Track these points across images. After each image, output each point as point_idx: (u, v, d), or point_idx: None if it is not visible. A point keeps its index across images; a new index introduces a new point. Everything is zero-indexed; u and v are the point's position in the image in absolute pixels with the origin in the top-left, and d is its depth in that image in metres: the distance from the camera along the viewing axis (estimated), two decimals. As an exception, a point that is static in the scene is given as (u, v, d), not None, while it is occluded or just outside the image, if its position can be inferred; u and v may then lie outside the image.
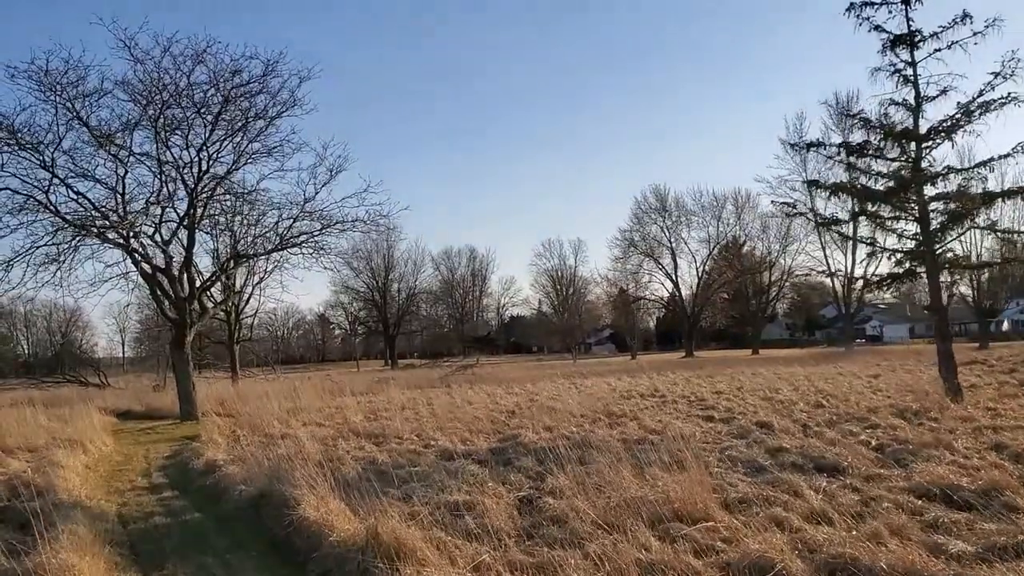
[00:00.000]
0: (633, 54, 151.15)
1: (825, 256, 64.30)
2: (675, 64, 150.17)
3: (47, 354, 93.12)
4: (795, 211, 18.73)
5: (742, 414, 14.92)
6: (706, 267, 76.19)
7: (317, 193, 23.68)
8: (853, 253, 61.52)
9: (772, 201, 59.72)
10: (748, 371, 29.80)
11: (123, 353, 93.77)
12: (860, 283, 19.40)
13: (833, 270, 61.19)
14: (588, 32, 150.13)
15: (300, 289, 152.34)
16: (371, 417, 17.23)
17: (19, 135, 19.61)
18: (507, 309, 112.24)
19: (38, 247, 20.52)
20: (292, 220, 23.85)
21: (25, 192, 20.34)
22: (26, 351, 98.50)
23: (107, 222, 21.14)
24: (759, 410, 15.49)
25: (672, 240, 76.73)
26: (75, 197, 21.15)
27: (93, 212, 21.31)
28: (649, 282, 78.80)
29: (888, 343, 73.81)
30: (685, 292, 77.64)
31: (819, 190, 18.12)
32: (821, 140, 16.99)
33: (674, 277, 77.03)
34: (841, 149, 16.79)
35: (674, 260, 76.62)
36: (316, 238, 24.09)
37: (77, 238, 21.14)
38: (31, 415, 18.37)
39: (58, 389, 39.77)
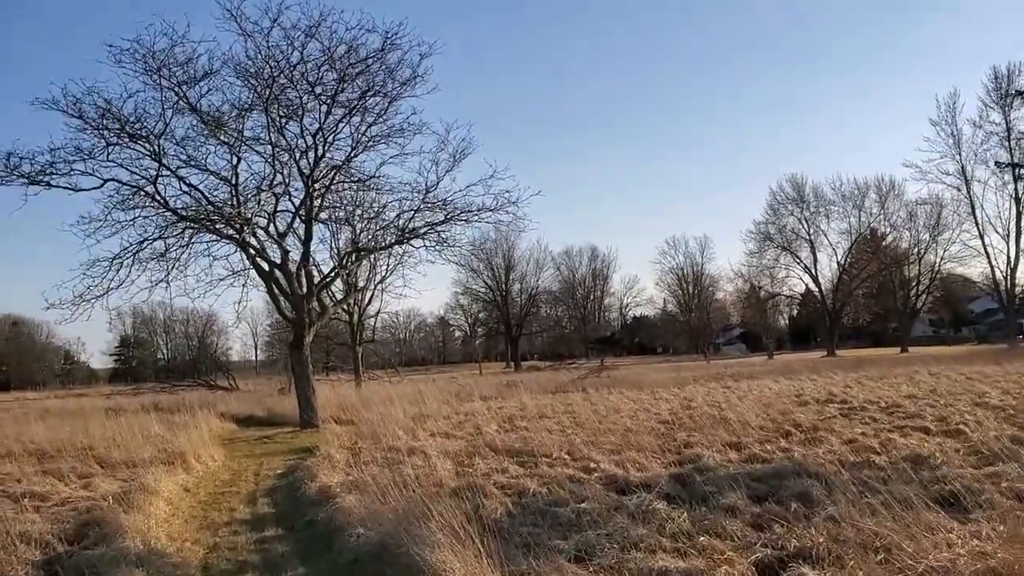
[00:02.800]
0: (764, 44, 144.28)
1: (983, 243, 58.77)
2: (813, 54, 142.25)
3: (185, 358, 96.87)
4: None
5: (964, 425, 11.78)
6: (847, 260, 70.83)
7: (439, 181, 21.34)
8: (1017, 241, 56.05)
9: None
10: (923, 370, 25.93)
11: (256, 356, 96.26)
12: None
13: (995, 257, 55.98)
14: (713, 27, 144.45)
15: (422, 285, 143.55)
16: (507, 427, 14.92)
17: (127, 126, 18.24)
18: (630, 309, 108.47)
19: (146, 241, 19.13)
20: (413, 211, 21.70)
21: (133, 184, 18.94)
22: (165, 356, 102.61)
23: (219, 215, 19.68)
24: (982, 420, 12.27)
25: (811, 232, 71.64)
26: (187, 190, 19.75)
27: (206, 205, 19.82)
28: (786, 277, 74.11)
29: (1049, 339, 66.27)
30: (824, 287, 72.40)
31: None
32: None
33: (813, 271, 71.89)
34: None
35: (813, 253, 71.57)
36: (439, 229, 21.90)
37: (189, 231, 19.74)
38: (144, 424, 17.00)
39: (188, 393, 39.89)
